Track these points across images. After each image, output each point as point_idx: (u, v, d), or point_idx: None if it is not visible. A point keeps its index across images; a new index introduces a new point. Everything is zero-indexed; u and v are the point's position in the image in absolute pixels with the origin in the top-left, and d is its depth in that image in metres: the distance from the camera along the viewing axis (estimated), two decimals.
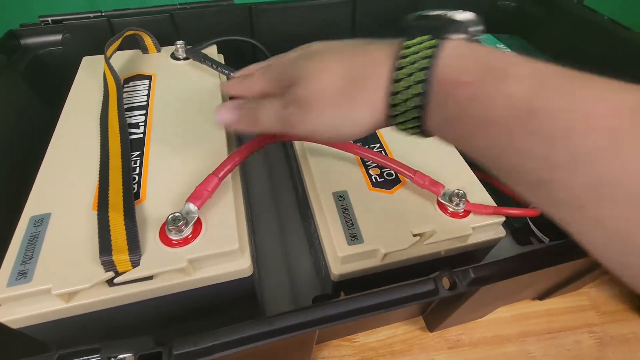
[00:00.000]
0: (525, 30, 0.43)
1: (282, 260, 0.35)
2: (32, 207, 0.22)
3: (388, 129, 0.31)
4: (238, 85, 0.21)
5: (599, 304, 0.41)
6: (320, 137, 0.17)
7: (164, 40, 0.35)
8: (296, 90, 0.17)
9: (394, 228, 0.24)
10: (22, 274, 0.18)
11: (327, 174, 0.27)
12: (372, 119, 0.16)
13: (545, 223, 0.28)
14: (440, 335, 0.38)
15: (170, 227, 0.20)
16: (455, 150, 0.29)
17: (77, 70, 0.32)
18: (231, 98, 0.24)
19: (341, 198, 0.25)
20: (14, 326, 0.19)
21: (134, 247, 0.19)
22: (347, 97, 0.16)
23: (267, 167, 0.44)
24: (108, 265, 0.19)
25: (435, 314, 0.35)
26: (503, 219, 0.25)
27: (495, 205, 0.25)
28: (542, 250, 0.19)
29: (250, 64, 0.42)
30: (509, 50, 0.39)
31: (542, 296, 0.40)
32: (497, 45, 0.40)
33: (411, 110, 0.15)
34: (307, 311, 0.16)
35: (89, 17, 0.35)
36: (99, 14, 0.35)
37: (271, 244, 0.36)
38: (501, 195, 0.32)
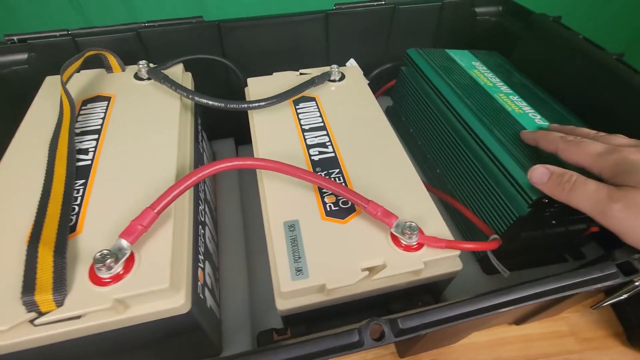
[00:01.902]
0: (505, 46, 0.42)
1: (246, 286, 0.34)
2: None
3: (350, 148, 0.30)
4: (563, 144, 0.24)
5: (579, 330, 0.39)
6: (631, 240, 0.19)
7: (131, 59, 0.35)
8: (634, 195, 0.19)
9: (343, 262, 0.23)
10: None
11: (282, 201, 0.26)
12: None
13: (503, 254, 0.27)
14: None
15: (98, 265, 0.19)
16: (416, 175, 0.28)
17: None
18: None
19: (292, 228, 0.25)
20: None
21: (59, 286, 0.19)
22: None
23: (239, 186, 0.43)
24: (30, 305, 0.18)
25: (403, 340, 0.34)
26: (458, 252, 0.24)
27: (451, 238, 0.24)
28: (482, 296, 0.18)
29: (221, 81, 0.42)
30: (484, 67, 0.38)
31: (518, 321, 0.38)
32: (473, 62, 0.39)
33: None
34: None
35: (55, 36, 0.35)
36: (65, 32, 0.35)
37: (236, 268, 0.35)
38: (467, 222, 0.31)
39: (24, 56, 0.35)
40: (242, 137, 0.48)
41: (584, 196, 0.21)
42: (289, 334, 0.24)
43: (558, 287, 0.18)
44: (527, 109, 0.33)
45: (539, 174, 0.24)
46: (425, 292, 0.26)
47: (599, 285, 0.19)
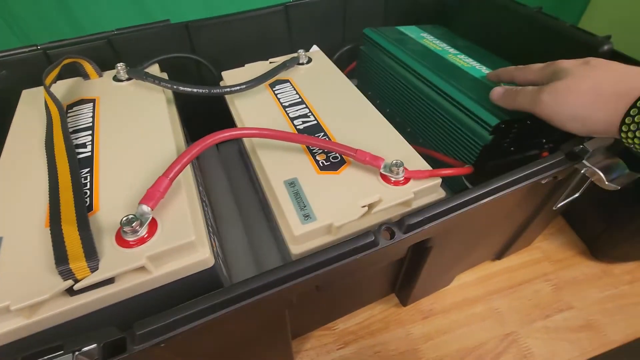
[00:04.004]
0: (446, 20, 0.48)
1: (251, 261, 0.36)
2: None
3: (330, 114, 0.33)
4: (517, 70, 0.31)
5: (551, 254, 0.44)
6: (557, 121, 0.25)
7: (105, 67, 0.36)
8: (557, 84, 0.25)
9: (344, 203, 0.25)
10: None
11: (277, 165, 0.28)
12: (605, 127, 0.23)
13: (483, 180, 0.31)
14: (414, 307, 0.40)
15: (125, 228, 0.20)
16: (390, 126, 0.31)
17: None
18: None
19: (292, 185, 0.27)
20: None
21: (91, 253, 0.20)
22: (593, 103, 0.23)
23: (227, 177, 0.45)
24: (66, 273, 0.19)
25: (404, 286, 0.37)
26: (439, 180, 0.27)
27: (431, 169, 0.27)
28: (468, 190, 0.22)
29: (195, 79, 0.44)
30: (431, 36, 0.43)
31: (499, 255, 0.43)
32: (421, 34, 0.44)
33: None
34: (264, 275, 0.17)
35: (24, 52, 0.35)
36: (35, 47, 0.36)
37: (238, 246, 0.37)
38: (438, 163, 0.35)
39: None
40: None
41: (524, 97, 0.27)
42: None
43: (526, 174, 0.22)
44: (474, 63, 0.37)
45: (497, 92, 0.30)
46: None
47: (554, 171, 0.23)
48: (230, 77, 0.39)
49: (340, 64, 0.41)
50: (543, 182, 0.25)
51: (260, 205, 0.41)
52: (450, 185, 0.37)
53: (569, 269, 0.43)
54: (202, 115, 0.41)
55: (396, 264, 0.33)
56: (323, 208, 0.25)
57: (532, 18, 0.37)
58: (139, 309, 0.22)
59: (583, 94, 0.23)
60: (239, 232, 0.38)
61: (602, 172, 0.23)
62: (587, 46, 0.32)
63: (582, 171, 0.24)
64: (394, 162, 0.27)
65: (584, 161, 0.24)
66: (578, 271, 0.43)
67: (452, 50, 0.40)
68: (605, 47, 0.31)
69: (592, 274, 0.42)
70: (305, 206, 0.25)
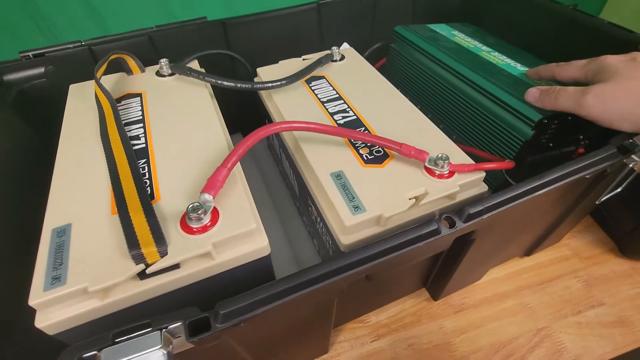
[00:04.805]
0: (474, 19, 0.48)
1: (288, 253, 0.36)
2: (51, 221, 0.22)
3: (368, 109, 0.34)
4: (558, 67, 0.31)
5: (580, 251, 0.45)
6: (604, 121, 0.25)
7: (146, 62, 0.37)
8: (602, 86, 0.25)
9: (391, 196, 0.26)
10: (56, 279, 0.19)
11: (322, 158, 0.29)
12: None
13: (521, 175, 0.31)
14: (445, 302, 0.40)
15: (191, 215, 0.21)
16: (429, 121, 0.32)
17: (65, 99, 0.33)
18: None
19: (339, 177, 0.28)
20: (51, 332, 0.20)
21: (160, 239, 0.21)
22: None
23: (258, 172, 0.45)
24: (138, 258, 0.20)
25: (437, 280, 0.37)
26: (483, 174, 0.28)
27: (474, 163, 0.28)
28: (523, 182, 0.22)
29: (229, 75, 0.45)
30: (463, 34, 0.44)
31: (528, 252, 0.43)
32: (452, 31, 0.44)
33: None
34: (337, 259, 0.18)
35: (70, 48, 0.36)
36: (79, 43, 0.37)
37: (274, 237, 0.37)
38: (475, 159, 0.35)
39: (41, 70, 0.36)
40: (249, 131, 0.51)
41: (566, 98, 0.27)
42: None
43: (580, 166, 0.23)
44: (508, 60, 0.38)
45: (532, 93, 0.30)
46: None
47: (605, 164, 0.23)
48: (265, 73, 0.40)
49: (369, 62, 0.41)
50: (588, 176, 0.25)
51: (292, 200, 0.42)
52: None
53: (599, 266, 0.43)
54: (234, 113, 0.41)
55: (432, 257, 0.34)
56: (371, 199, 0.26)
57: (567, 16, 0.37)
58: (199, 292, 0.23)
59: (633, 95, 0.24)
60: (275, 225, 0.39)
61: None
62: (625, 44, 0.33)
63: (630, 165, 0.25)
64: (439, 155, 0.27)
65: (633, 155, 0.24)
66: (608, 268, 0.43)
67: (485, 47, 0.40)
68: None
69: (622, 271, 0.42)
70: (353, 197, 0.26)
